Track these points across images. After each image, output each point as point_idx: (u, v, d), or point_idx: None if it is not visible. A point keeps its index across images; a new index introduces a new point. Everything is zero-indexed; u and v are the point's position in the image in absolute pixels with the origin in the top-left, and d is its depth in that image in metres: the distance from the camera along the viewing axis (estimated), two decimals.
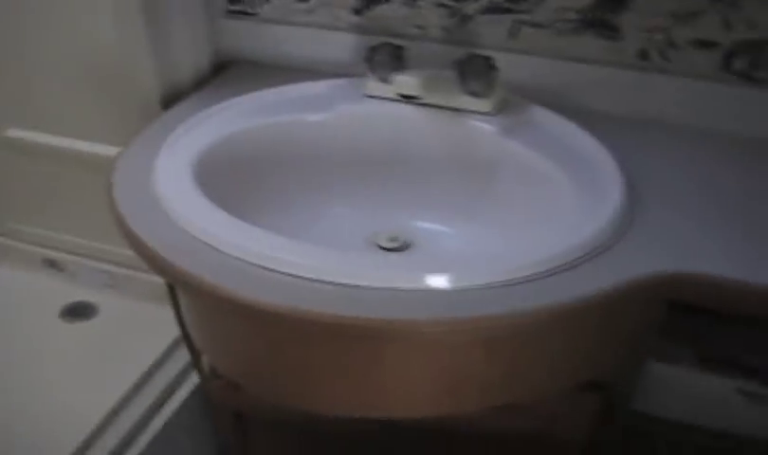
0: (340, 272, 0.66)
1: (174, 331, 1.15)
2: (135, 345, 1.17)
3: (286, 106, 0.90)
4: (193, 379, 1.16)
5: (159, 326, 1.16)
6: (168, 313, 1.13)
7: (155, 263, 0.70)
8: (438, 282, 0.65)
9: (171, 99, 0.96)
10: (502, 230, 0.83)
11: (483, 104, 0.85)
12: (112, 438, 1.04)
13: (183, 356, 1.16)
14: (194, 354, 1.04)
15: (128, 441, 1.06)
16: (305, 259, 0.67)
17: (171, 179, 0.76)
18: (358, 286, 0.65)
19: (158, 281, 1.18)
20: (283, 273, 0.66)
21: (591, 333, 0.75)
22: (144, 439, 1.07)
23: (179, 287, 0.80)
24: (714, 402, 0.86)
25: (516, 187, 0.84)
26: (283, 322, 0.67)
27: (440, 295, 0.65)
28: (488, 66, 0.83)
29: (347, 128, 0.88)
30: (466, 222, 0.87)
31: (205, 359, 1.00)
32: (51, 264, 1.34)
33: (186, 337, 1.00)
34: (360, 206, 0.90)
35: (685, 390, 0.86)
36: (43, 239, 1.34)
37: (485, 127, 0.84)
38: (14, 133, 1.23)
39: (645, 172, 0.81)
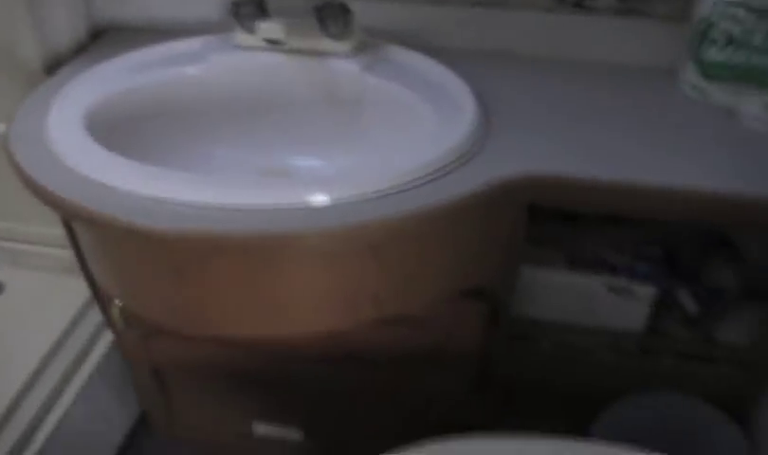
0: (225, 195, 0.72)
1: (82, 298, 1.21)
2: (44, 316, 1.19)
3: (164, 63, 0.95)
4: (108, 338, 1.20)
5: (66, 297, 1.20)
6: (73, 284, 1.18)
7: (52, 200, 0.75)
8: (317, 199, 0.72)
9: (53, 65, 1.00)
10: (371, 155, 0.90)
11: (342, 46, 0.92)
12: (32, 405, 1.07)
13: (95, 319, 1.19)
14: (104, 305, 1.09)
15: (48, 405, 1.09)
16: (190, 187, 0.73)
17: (62, 129, 0.81)
18: (243, 208, 0.71)
19: (62, 254, 1.23)
20: (171, 202, 0.72)
21: (465, 238, 0.83)
22: (65, 401, 1.11)
23: (76, 222, 0.84)
24: (586, 299, 0.96)
25: (381, 117, 0.92)
26: (170, 244, 0.74)
27: (319, 210, 0.72)
28: (344, 10, 0.90)
29: (222, 78, 0.94)
30: (339, 154, 0.94)
31: (116, 313, 1.06)
32: None
33: (91, 284, 1.06)
34: (242, 147, 0.95)
35: (559, 291, 0.96)
36: None
37: (346, 66, 0.92)
38: None
39: (496, 96, 0.90)
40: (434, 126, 0.83)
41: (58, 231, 1.18)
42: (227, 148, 0.96)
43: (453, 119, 0.83)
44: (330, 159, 0.95)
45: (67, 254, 1.21)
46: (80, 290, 1.18)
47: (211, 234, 0.70)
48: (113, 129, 0.86)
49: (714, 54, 0.87)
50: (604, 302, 0.95)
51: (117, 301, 1.02)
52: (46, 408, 1.09)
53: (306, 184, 0.76)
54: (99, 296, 1.09)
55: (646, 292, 0.92)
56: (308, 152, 0.96)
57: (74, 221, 0.84)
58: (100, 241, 0.84)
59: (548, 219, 0.99)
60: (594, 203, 0.81)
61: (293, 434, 1.21)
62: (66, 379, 1.14)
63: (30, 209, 1.19)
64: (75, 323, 1.19)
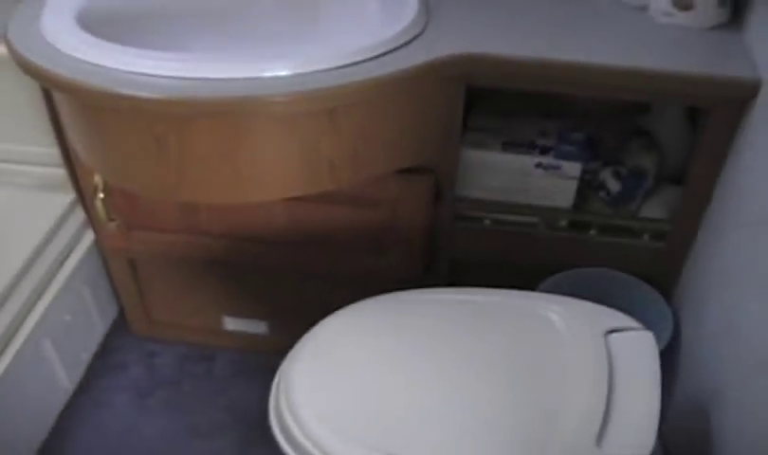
0: (202, 69, 0.83)
1: (61, 210, 1.29)
2: (26, 226, 1.27)
3: None
4: (87, 242, 1.30)
5: (47, 209, 1.29)
6: (54, 199, 1.28)
7: (42, 75, 0.86)
8: (282, 70, 0.84)
9: None
10: (327, 42, 1.02)
11: None
12: (17, 299, 1.16)
13: (73, 227, 1.28)
14: (87, 201, 1.18)
15: (34, 299, 1.18)
16: (171, 62, 0.84)
17: (54, 21, 0.91)
18: (219, 79, 0.83)
19: (42, 172, 1.31)
20: (152, 75, 0.83)
21: (408, 113, 0.95)
22: (48, 296, 1.20)
23: (60, 92, 0.93)
24: (520, 177, 1.07)
25: (335, 14, 1.06)
26: (153, 112, 0.85)
27: (284, 78, 0.84)
28: None
29: None
30: (299, 44, 1.05)
31: (99, 205, 1.14)
32: None
33: (74, 175, 1.14)
34: (214, 45, 1.05)
35: (496, 171, 1.07)
36: None
37: None
38: None
39: None
40: (381, 16, 0.97)
41: (40, 150, 1.27)
42: (199, 47, 1.06)
43: (397, 12, 0.96)
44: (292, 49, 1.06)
45: (48, 172, 1.30)
46: (60, 204, 1.29)
47: (195, 100, 0.82)
48: (100, 23, 0.95)
49: None
50: (536, 182, 1.07)
51: (100, 194, 1.12)
52: (29, 306, 1.18)
53: (272, 58, 0.87)
54: (82, 191, 1.18)
55: (572, 168, 1.04)
56: (273, 46, 1.07)
57: (66, 94, 0.93)
58: (87, 118, 0.94)
59: (486, 112, 1.13)
60: (521, 79, 0.94)
61: (260, 328, 1.32)
62: (48, 279, 1.23)
63: (15, 127, 1.29)
64: (55, 231, 1.27)
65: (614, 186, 1.08)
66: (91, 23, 0.93)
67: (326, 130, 0.91)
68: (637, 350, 0.85)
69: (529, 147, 1.06)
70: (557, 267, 1.12)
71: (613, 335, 0.86)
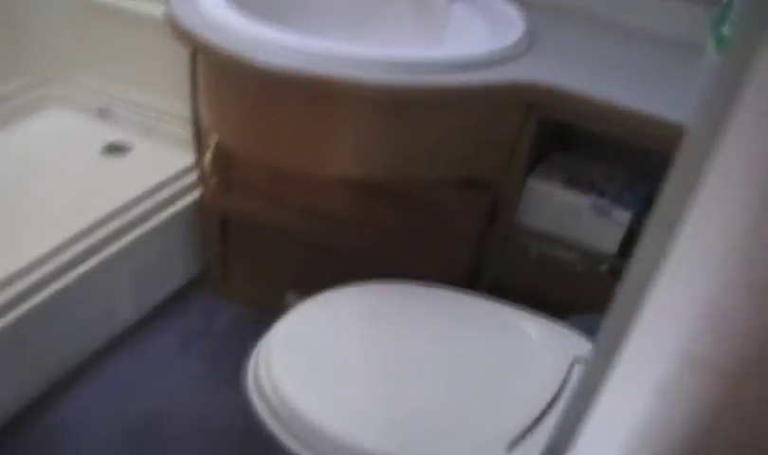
0: (322, 46, 0.98)
1: (183, 165, 1.51)
2: (147, 172, 1.48)
3: None
4: (194, 196, 1.49)
5: (171, 161, 1.51)
6: (182, 156, 1.49)
7: (194, 40, 1.03)
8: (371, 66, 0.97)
9: None
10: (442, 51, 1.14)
11: None
12: (112, 225, 1.35)
13: (187, 180, 1.48)
14: (201, 151, 1.37)
15: (126, 229, 1.37)
16: (292, 38, 0.99)
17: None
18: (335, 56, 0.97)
19: (181, 131, 1.54)
20: (276, 49, 0.98)
21: (476, 126, 1.05)
22: (139, 231, 1.38)
23: (204, 55, 1.10)
24: (572, 215, 1.12)
25: (456, 31, 1.20)
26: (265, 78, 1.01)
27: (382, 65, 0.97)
28: None
29: None
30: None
31: (208, 158, 1.33)
32: (101, 112, 1.68)
33: (197, 126, 1.34)
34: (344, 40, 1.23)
35: (552, 204, 1.12)
36: (96, 89, 1.70)
37: None
38: None
39: (548, 33, 1.15)
40: (488, 38, 1.10)
41: (183, 111, 1.47)
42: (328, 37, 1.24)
43: (503, 36, 1.08)
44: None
45: (183, 132, 1.52)
46: (184, 160, 1.49)
47: (311, 73, 0.96)
48: (247, 7, 1.14)
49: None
50: (587, 223, 1.11)
51: (211, 150, 1.30)
52: (120, 233, 1.36)
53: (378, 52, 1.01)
54: (199, 143, 1.37)
55: (622, 216, 1.07)
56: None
57: (206, 56, 1.11)
58: (217, 79, 1.12)
59: (556, 148, 1.20)
60: (589, 120, 1.01)
61: None
62: (146, 218, 1.41)
63: (168, 87, 1.52)
64: (169, 181, 1.48)
65: None
66: (241, 5, 1.11)
67: (395, 125, 1.03)
68: None
69: (588, 188, 1.11)
70: (592, 309, 1.13)
71: (580, 365, 0.92)
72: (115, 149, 1.62)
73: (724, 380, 0.39)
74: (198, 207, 1.48)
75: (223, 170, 1.33)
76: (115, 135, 1.65)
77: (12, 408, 1.25)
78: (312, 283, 1.41)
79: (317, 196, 1.28)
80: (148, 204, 1.42)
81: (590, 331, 1.05)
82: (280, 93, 1.04)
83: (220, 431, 1.30)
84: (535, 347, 0.96)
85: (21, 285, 1.19)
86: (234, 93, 1.10)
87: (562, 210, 1.13)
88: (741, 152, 0.34)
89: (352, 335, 0.96)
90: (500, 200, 1.14)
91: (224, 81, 1.11)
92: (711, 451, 0.43)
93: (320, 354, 0.92)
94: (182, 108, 1.47)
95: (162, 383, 1.37)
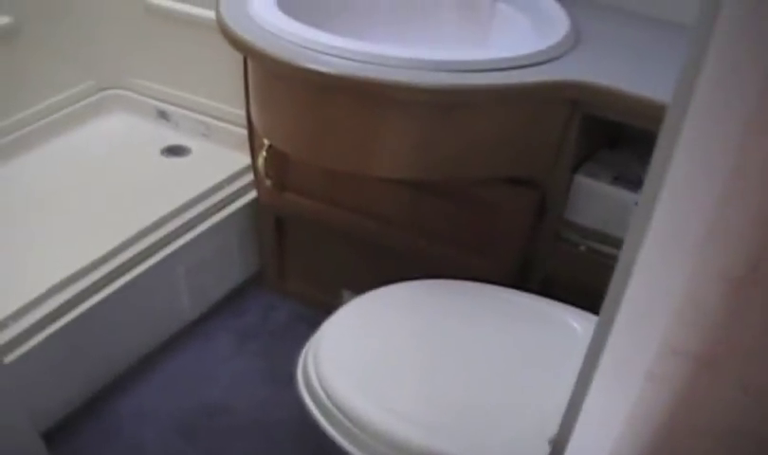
0: (367, 47, 1.01)
1: (240, 166, 1.54)
2: (206, 173, 1.53)
3: None
4: (250, 196, 1.54)
5: (228, 163, 1.56)
6: (239, 158, 1.54)
7: (244, 45, 1.06)
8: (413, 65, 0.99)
9: None
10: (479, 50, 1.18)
11: None
12: (170, 225, 1.41)
13: (244, 181, 1.53)
14: (254, 155, 1.41)
15: (184, 229, 1.42)
16: (339, 43, 1.01)
17: (259, 3, 1.14)
18: (382, 59, 0.99)
19: (239, 133, 1.58)
20: (326, 53, 1.01)
21: (525, 127, 1.06)
22: (196, 231, 1.44)
23: (254, 60, 1.14)
24: (619, 211, 1.11)
25: (500, 31, 1.21)
26: (316, 82, 1.03)
27: (426, 65, 0.99)
28: None
29: None
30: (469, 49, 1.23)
31: (261, 162, 1.37)
32: (161, 114, 1.76)
33: (250, 130, 1.38)
34: (387, 41, 1.25)
35: (600, 200, 1.12)
36: (156, 92, 1.77)
37: None
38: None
39: (592, 30, 1.15)
40: (535, 39, 1.10)
41: (240, 112, 1.51)
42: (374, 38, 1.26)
43: (548, 36, 1.09)
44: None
45: (241, 133, 1.56)
46: (241, 162, 1.54)
47: (364, 77, 0.98)
48: (296, 9, 1.17)
49: None
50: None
51: (264, 152, 1.34)
52: (177, 234, 1.42)
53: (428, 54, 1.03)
54: (253, 145, 1.41)
55: None
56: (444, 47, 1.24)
57: (255, 61, 1.14)
58: (267, 83, 1.16)
59: (607, 146, 1.19)
60: (634, 117, 1.01)
61: None
62: (203, 218, 1.47)
63: (225, 90, 1.56)
64: (226, 182, 1.54)
65: None
66: (289, 7, 1.15)
67: (445, 126, 1.04)
68: None
69: (637, 185, 1.10)
70: None
71: None
72: (174, 151, 1.69)
73: (703, 367, 0.39)
74: (254, 207, 1.53)
75: (276, 171, 1.37)
76: (174, 137, 1.72)
77: (82, 396, 1.33)
78: (366, 282, 1.44)
79: (369, 196, 1.31)
80: (206, 204, 1.48)
81: None
82: (331, 96, 1.07)
83: (275, 425, 1.34)
84: (582, 343, 0.95)
85: (85, 282, 1.26)
86: (285, 97, 1.14)
87: (610, 207, 1.12)
88: (706, 128, 0.33)
89: (400, 332, 0.99)
90: (548, 197, 1.14)
91: (274, 84, 1.14)
92: (692, 436, 0.43)
93: (369, 351, 0.95)
94: (239, 110, 1.53)
95: (219, 378, 1.43)
